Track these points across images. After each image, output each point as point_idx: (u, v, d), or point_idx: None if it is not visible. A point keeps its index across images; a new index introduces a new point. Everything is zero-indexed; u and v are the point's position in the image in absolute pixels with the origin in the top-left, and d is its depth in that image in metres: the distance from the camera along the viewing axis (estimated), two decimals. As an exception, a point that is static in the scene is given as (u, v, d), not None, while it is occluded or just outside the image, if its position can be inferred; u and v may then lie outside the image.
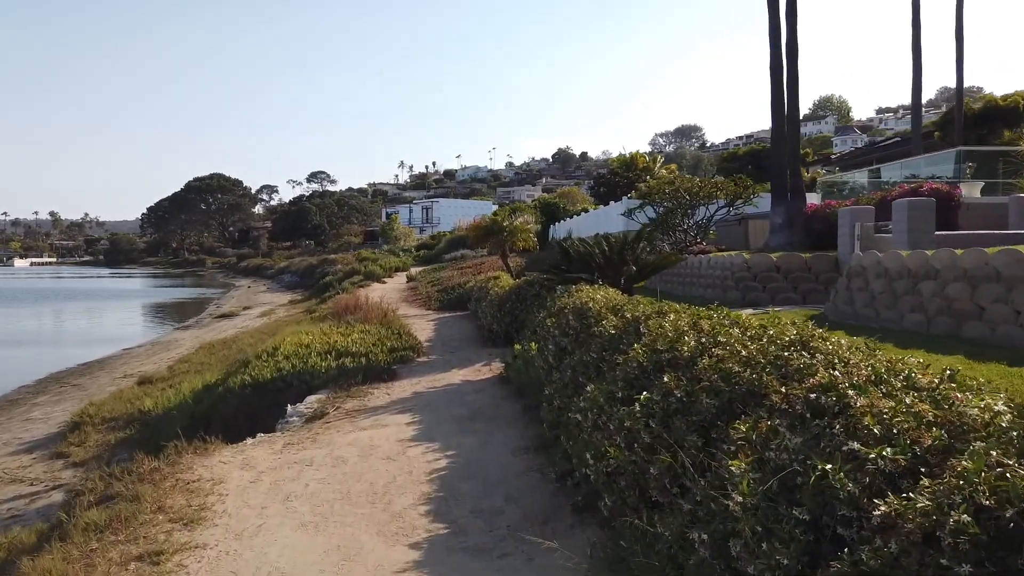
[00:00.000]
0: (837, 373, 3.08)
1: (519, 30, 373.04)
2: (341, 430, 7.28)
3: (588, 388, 5.01)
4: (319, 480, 5.47)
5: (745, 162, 45.39)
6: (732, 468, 2.82)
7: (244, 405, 10.05)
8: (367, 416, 7.93)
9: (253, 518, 4.67)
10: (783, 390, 3.15)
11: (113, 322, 34.87)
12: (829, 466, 2.47)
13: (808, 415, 2.91)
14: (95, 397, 14.44)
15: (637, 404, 4.06)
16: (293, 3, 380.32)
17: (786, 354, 3.66)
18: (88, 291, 57.06)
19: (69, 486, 6.77)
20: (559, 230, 38.31)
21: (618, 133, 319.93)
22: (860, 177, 22.65)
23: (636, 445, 3.93)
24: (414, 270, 35.03)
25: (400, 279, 32.96)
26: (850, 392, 2.88)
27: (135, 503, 4.74)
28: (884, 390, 2.96)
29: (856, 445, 2.56)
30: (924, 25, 23.68)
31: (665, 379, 4.08)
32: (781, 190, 17.55)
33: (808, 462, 2.65)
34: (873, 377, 3.09)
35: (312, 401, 9.06)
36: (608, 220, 27.73)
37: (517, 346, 8.93)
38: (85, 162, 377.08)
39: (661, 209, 20.06)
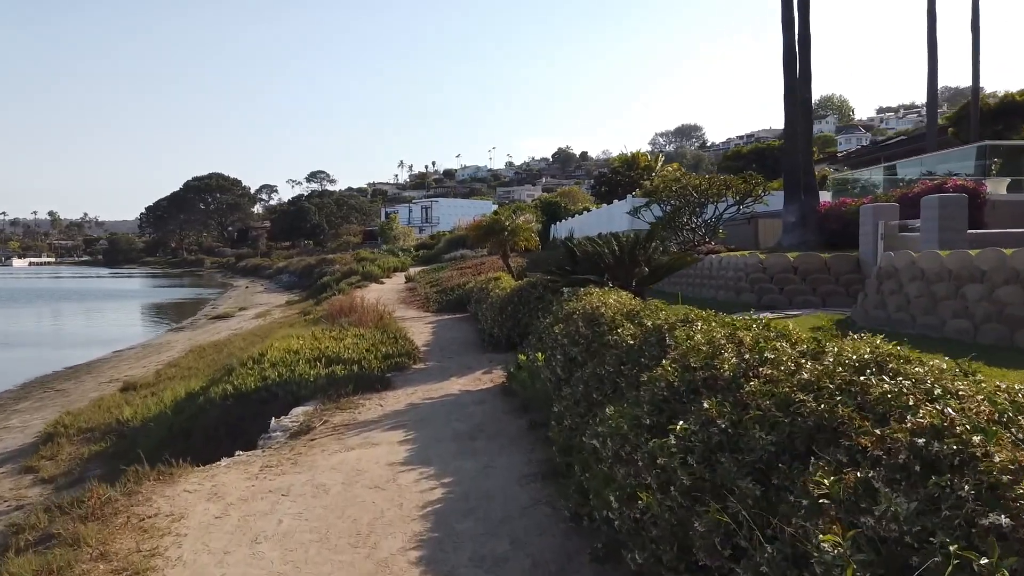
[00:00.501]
0: (950, 410, 2.35)
1: (519, 30, 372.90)
2: (326, 449, 6.56)
3: (608, 410, 4.28)
4: (295, 515, 4.73)
5: (749, 161, 44.67)
6: (825, 545, 2.09)
7: (226, 416, 9.32)
8: (356, 432, 7.20)
9: (212, 567, 3.94)
10: (877, 431, 2.42)
11: (110, 323, 34.30)
12: (984, 560, 1.73)
13: (917, 468, 2.20)
14: (74, 405, 13.70)
15: (672, 435, 3.33)
16: (293, 3, 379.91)
17: (861, 378, 2.94)
18: (86, 291, 56.40)
19: (10, 519, 6.02)
20: (560, 229, 37.58)
21: (618, 133, 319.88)
22: (874, 174, 21.92)
23: (672, 488, 3.20)
24: (413, 270, 34.31)
25: (398, 279, 32.24)
26: (975, 438, 2.16)
27: (74, 548, 4.01)
28: (1014, 433, 2.25)
29: (1005, 520, 1.85)
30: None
31: (705, 405, 3.36)
32: (794, 188, 16.83)
33: (932, 540, 1.95)
34: (996, 415, 2.37)
35: (298, 414, 8.34)
36: (612, 219, 27.00)
37: (522, 356, 8.20)
38: (85, 162, 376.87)
39: (668, 208, 19.34)
